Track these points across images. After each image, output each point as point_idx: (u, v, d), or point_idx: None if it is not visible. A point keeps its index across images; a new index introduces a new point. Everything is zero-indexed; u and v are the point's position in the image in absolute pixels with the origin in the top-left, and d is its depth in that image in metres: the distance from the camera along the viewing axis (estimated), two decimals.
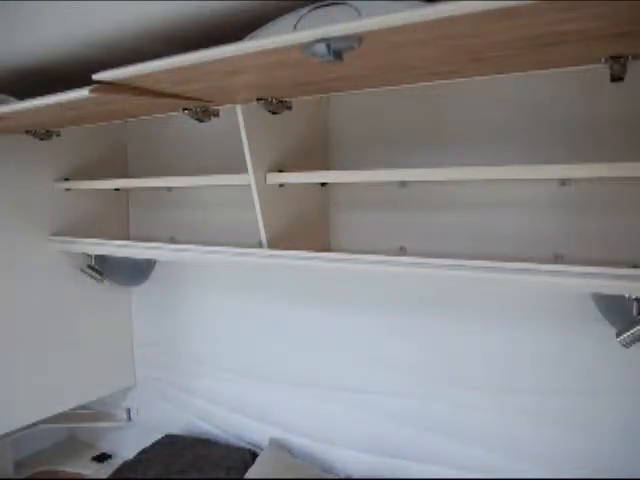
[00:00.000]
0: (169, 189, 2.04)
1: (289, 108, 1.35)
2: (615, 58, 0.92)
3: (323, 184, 1.61)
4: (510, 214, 1.37)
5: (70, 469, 2.28)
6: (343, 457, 1.76)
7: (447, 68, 1.04)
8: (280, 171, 1.42)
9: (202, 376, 2.12)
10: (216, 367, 2.07)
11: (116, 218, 2.19)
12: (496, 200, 1.39)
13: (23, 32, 1.29)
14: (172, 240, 2.04)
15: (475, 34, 0.77)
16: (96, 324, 2.16)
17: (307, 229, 1.57)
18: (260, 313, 1.91)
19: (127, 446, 2.27)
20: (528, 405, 1.42)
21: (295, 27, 1.03)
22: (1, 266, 1.84)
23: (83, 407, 2.24)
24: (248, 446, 1.97)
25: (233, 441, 2.02)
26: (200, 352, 2.12)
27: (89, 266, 2.05)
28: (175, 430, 2.15)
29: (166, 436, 2.10)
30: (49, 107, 1.29)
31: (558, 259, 1.30)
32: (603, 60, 0.93)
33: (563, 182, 1.28)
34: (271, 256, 1.38)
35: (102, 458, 2.35)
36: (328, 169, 1.61)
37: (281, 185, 1.44)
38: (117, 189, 2.15)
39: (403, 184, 1.50)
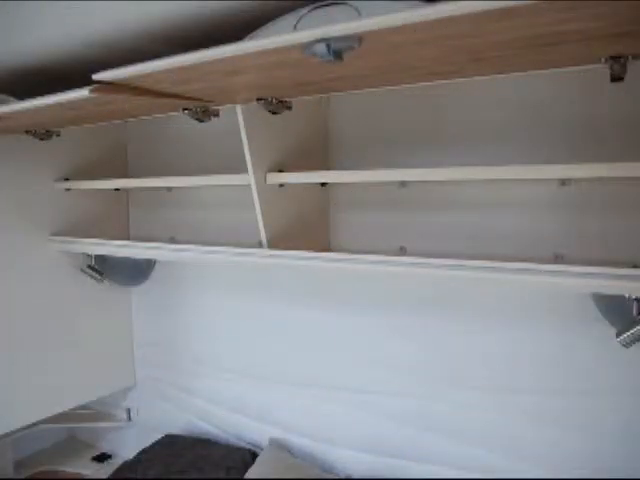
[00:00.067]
0: (169, 189, 2.04)
1: (289, 108, 1.35)
2: (615, 58, 0.92)
3: (323, 184, 1.61)
4: (510, 214, 1.37)
5: (70, 469, 2.28)
6: (343, 457, 1.76)
7: (447, 68, 1.04)
8: (280, 171, 1.42)
9: (202, 376, 2.12)
10: (216, 367, 2.07)
11: (116, 218, 2.19)
12: (496, 200, 1.39)
13: (23, 32, 1.29)
14: (172, 240, 2.04)
15: (475, 34, 0.77)
16: (96, 324, 2.16)
17: (307, 229, 1.57)
18: (260, 313, 1.91)
19: (127, 446, 2.27)
20: (528, 405, 1.42)
21: (295, 27, 1.03)
22: (1, 266, 1.84)
23: (83, 407, 2.24)
24: (248, 446, 1.97)
25: (233, 441, 2.02)
26: (200, 352, 2.12)
27: (89, 266, 2.05)
28: (175, 430, 2.15)
29: (166, 436, 2.10)
30: (49, 107, 1.29)
31: (558, 259, 1.30)
32: (603, 60, 0.93)
33: (563, 182, 1.28)
34: (271, 256, 1.38)
35: (102, 458, 2.36)
36: (328, 169, 1.61)
37: (281, 185, 1.44)
38: (117, 189, 2.15)
39: (403, 184, 1.50)
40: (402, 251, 1.53)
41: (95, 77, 1.04)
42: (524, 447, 1.44)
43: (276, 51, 0.83)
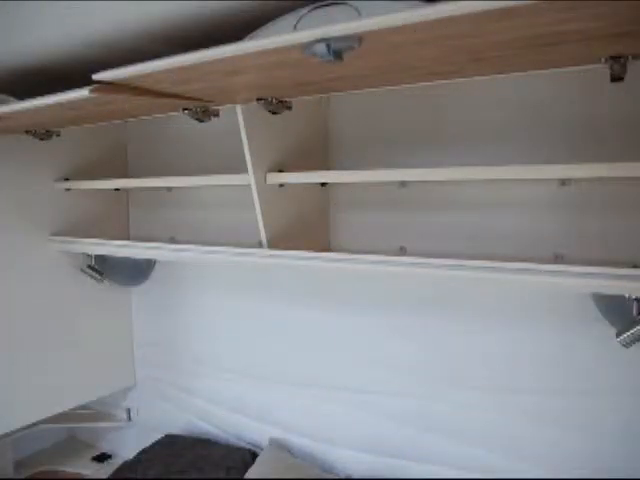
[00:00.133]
0: (169, 189, 2.04)
1: (289, 108, 1.35)
2: (615, 58, 0.92)
3: (323, 184, 1.61)
4: (510, 214, 1.37)
5: (70, 469, 2.28)
6: (343, 457, 1.76)
7: (447, 68, 1.04)
8: (280, 171, 1.42)
9: (202, 376, 2.12)
10: (216, 367, 2.07)
11: (116, 218, 2.19)
12: (496, 200, 1.39)
13: (23, 32, 1.29)
14: (172, 240, 2.04)
15: (475, 34, 0.77)
16: (96, 324, 2.16)
17: (307, 229, 1.57)
18: (260, 313, 1.91)
19: (127, 446, 2.27)
20: (528, 405, 1.42)
21: (295, 27, 1.03)
22: (1, 266, 1.84)
23: (83, 407, 2.24)
24: (248, 446, 1.97)
25: (233, 441, 2.02)
26: (200, 352, 2.12)
27: (89, 266, 2.05)
28: (175, 430, 2.15)
29: (166, 436, 2.10)
30: (49, 107, 1.29)
31: (558, 259, 1.30)
32: (603, 60, 0.93)
33: (563, 182, 1.28)
34: (271, 256, 1.38)
35: (102, 458, 2.36)
36: (328, 169, 1.61)
37: (281, 185, 1.44)
38: (117, 189, 2.15)
39: (403, 184, 1.50)
40: (402, 251, 1.53)
41: (95, 77, 1.05)
42: (524, 447, 1.44)
43: (276, 51, 0.83)
